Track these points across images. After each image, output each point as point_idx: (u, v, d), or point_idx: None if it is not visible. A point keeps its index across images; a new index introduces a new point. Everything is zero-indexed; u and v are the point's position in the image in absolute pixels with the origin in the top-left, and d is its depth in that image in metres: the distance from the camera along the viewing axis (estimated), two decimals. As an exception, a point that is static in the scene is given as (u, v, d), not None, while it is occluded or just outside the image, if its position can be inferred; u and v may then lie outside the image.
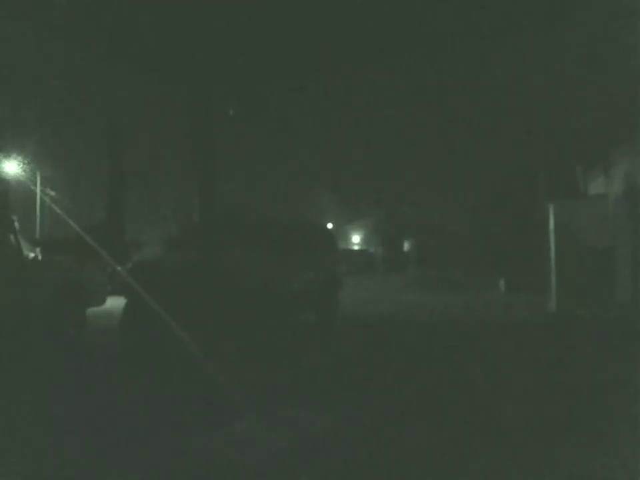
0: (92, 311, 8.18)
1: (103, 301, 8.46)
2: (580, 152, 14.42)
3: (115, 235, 18.84)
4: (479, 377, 5.20)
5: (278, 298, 7.00)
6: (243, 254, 6.85)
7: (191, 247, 7.12)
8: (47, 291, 7.19)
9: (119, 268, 7.32)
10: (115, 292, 8.19)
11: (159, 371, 5.66)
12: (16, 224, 7.07)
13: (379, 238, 41.71)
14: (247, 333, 6.52)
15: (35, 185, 24.71)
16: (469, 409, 4.27)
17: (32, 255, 7.30)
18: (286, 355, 6.69)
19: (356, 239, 47.84)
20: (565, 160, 15.40)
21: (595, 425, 3.83)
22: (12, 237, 6.90)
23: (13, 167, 23.09)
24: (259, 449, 3.44)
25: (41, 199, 24.89)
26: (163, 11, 6.77)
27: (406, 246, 25.76)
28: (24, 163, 22.95)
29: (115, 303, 8.38)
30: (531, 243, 15.04)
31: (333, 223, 36.64)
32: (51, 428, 3.85)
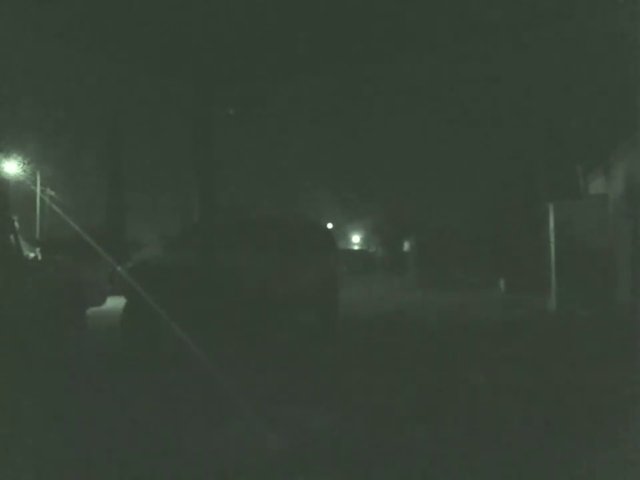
0: (92, 310, 8.18)
1: (103, 301, 8.46)
2: (580, 152, 14.41)
3: (115, 235, 18.83)
4: (479, 377, 5.20)
5: (278, 298, 7.00)
6: (242, 254, 6.85)
7: (191, 246, 7.12)
8: (47, 291, 7.19)
9: (118, 268, 7.32)
10: (115, 292, 8.19)
11: (159, 371, 5.66)
12: (16, 224, 7.07)
13: (379, 238, 41.70)
14: (247, 333, 6.53)
15: (35, 185, 24.71)
16: (468, 408, 4.27)
17: (32, 254, 7.30)
18: (286, 354, 6.69)
19: (356, 239, 47.85)
20: (565, 160, 15.39)
21: (595, 424, 3.83)
22: (12, 237, 6.90)
23: (13, 167, 23.08)
24: (258, 449, 3.44)
25: (41, 199, 24.90)
26: (163, 12, 6.77)
27: (406, 246, 25.74)
28: (24, 163, 22.94)
29: (115, 302, 8.39)
30: (531, 242, 15.03)
31: (332, 223, 36.64)
32: (51, 428, 3.84)
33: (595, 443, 3.47)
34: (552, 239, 10.44)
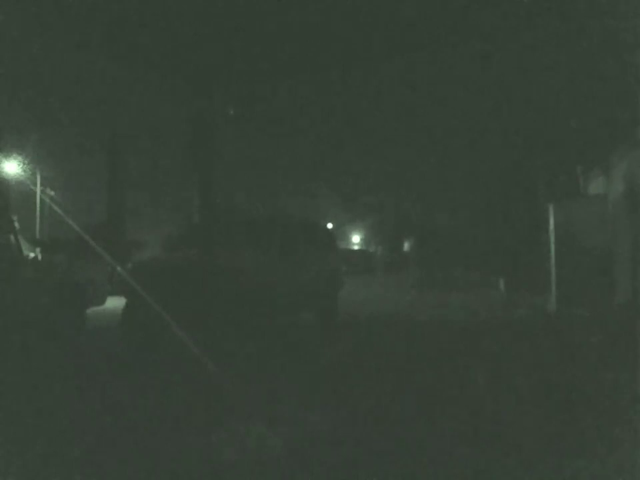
0: (92, 310, 8.18)
1: (103, 301, 8.46)
2: (580, 152, 14.41)
3: (115, 235, 18.84)
4: (479, 377, 5.20)
5: (277, 298, 7.00)
6: (242, 254, 6.85)
7: (191, 246, 7.12)
8: (47, 291, 7.19)
9: (118, 268, 7.32)
10: (114, 292, 8.20)
11: (159, 371, 5.66)
12: (16, 224, 7.08)
13: (379, 238, 41.70)
14: (247, 333, 6.52)
15: (35, 185, 24.71)
16: (468, 409, 4.27)
17: (32, 254, 7.30)
18: (286, 355, 6.69)
19: (356, 239, 47.85)
20: (565, 160, 15.39)
21: (594, 425, 3.83)
22: (12, 237, 6.90)
23: (13, 167, 23.07)
24: (258, 449, 3.44)
25: (41, 199, 24.89)
26: (164, 12, 6.78)
27: (406, 246, 25.75)
28: (24, 163, 22.93)
29: (115, 303, 8.39)
30: (531, 242, 15.04)
31: (332, 223, 36.64)
32: (51, 428, 3.85)
33: (595, 443, 3.47)
34: (552, 238, 10.43)
